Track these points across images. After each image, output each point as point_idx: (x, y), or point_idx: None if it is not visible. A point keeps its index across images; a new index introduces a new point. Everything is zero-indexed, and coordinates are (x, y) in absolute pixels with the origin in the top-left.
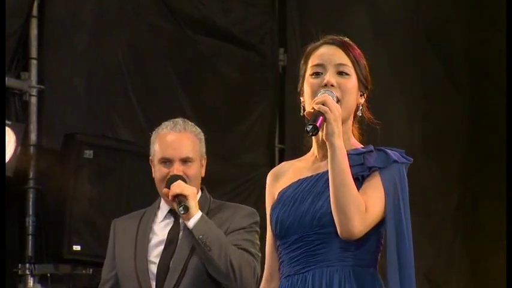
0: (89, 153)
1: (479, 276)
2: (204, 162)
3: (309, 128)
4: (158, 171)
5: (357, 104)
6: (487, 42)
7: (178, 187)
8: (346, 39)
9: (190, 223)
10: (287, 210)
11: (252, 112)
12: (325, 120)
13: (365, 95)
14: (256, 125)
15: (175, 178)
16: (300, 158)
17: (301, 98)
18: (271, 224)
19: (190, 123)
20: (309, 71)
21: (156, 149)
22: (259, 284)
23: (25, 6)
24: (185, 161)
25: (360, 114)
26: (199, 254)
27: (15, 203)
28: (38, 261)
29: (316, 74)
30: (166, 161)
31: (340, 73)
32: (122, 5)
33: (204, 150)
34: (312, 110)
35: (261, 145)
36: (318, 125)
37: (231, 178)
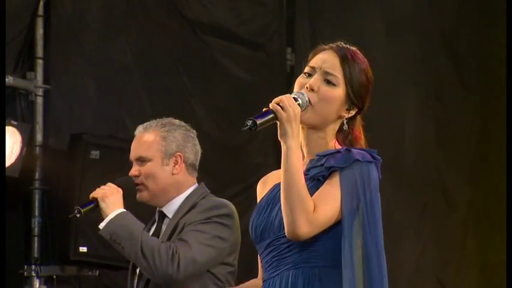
0: (95, 154)
1: (491, 277)
2: (178, 160)
3: (249, 122)
4: None
5: (340, 116)
6: (498, 43)
7: (94, 191)
8: (354, 51)
9: (100, 226)
10: (260, 216)
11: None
12: (277, 119)
13: (353, 111)
14: None
15: (121, 180)
16: None
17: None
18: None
19: (161, 122)
20: (304, 70)
21: None
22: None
23: (31, 5)
24: (141, 160)
25: (346, 128)
26: None
27: (21, 204)
28: (44, 262)
29: (308, 75)
30: (131, 163)
31: (327, 81)
32: (129, 4)
33: (171, 148)
34: (266, 109)
35: (269, 145)
36: (258, 121)
37: (240, 179)
